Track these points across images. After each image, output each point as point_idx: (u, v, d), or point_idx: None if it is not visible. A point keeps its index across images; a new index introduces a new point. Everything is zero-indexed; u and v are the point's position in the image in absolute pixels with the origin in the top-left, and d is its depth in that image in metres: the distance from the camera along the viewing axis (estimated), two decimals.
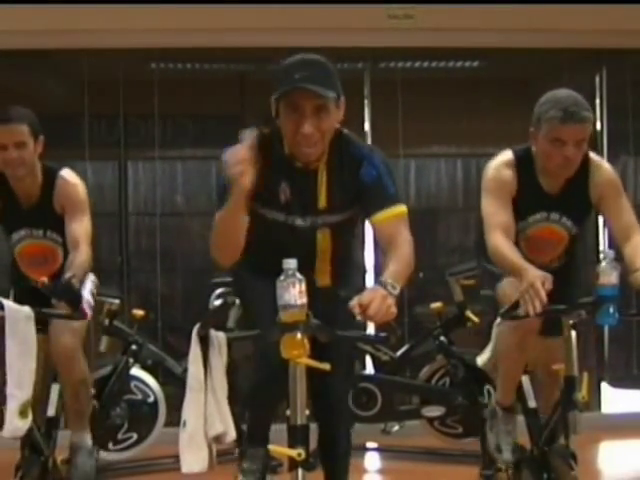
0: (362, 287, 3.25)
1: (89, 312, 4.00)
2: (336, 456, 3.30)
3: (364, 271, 3.56)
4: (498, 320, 3.74)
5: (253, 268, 3.17)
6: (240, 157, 2.81)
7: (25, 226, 3.99)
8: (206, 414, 2.79)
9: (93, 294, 4.07)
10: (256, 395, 3.22)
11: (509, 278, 3.50)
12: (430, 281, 7.02)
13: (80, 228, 3.83)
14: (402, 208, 3.01)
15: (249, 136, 2.92)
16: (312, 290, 2.61)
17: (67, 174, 3.95)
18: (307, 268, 2.75)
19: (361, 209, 3.09)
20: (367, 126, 6.80)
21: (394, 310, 2.62)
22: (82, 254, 3.72)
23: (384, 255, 2.95)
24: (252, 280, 3.16)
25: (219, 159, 2.97)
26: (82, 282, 3.62)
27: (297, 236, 3.09)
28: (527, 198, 3.59)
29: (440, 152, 7.36)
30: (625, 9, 6.21)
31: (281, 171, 3.01)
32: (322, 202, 3.07)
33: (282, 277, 2.52)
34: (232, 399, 2.93)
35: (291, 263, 2.53)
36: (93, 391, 4.24)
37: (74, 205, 3.89)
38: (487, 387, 4.46)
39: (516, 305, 3.28)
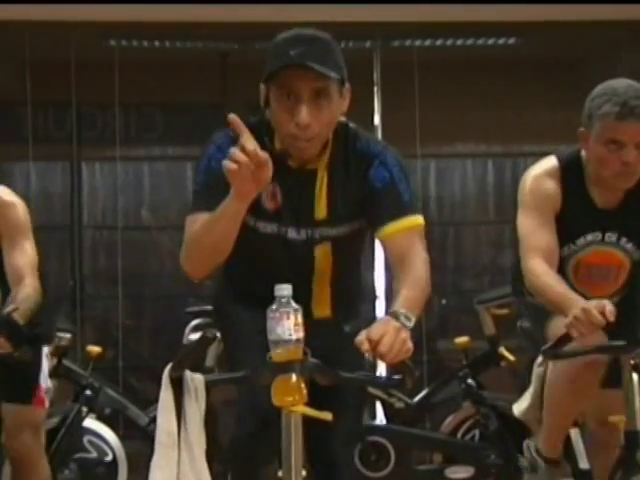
0: (371, 319, 3.25)
1: (47, 401, 4.16)
2: None
3: (374, 300, 3.54)
4: (539, 359, 3.71)
5: (237, 293, 3.19)
6: (250, 153, 2.69)
7: None
8: (179, 475, 2.77)
9: (51, 376, 4.16)
10: (240, 451, 3.18)
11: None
12: (455, 310, 7.03)
13: (23, 258, 3.84)
14: (418, 219, 2.99)
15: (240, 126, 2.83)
16: (308, 323, 2.58)
17: (2, 192, 3.94)
18: (302, 295, 2.73)
19: (368, 218, 3.07)
20: (377, 119, 6.84)
21: (410, 346, 2.60)
22: (26, 287, 3.73)
23: (394, 276, 2.94)
24: (236, 309, 3.17)
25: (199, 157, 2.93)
26: (26, 318, 3.62)
27: (291, 252, 3.08)
28: (575, 215, 3.59)
29: (466, 151, 7.39)
30: None
31: (271, 172, 2.96)
32: (321, 211, 3.06)
33: (274, 306, 2.50)
34: (211, 455, 2.92)
35: (284, 289, 2.52)
36: None
37: (13, 230, 3.88)
38: (526, 442, 4.44)
39: (564, 339, 3.26)
